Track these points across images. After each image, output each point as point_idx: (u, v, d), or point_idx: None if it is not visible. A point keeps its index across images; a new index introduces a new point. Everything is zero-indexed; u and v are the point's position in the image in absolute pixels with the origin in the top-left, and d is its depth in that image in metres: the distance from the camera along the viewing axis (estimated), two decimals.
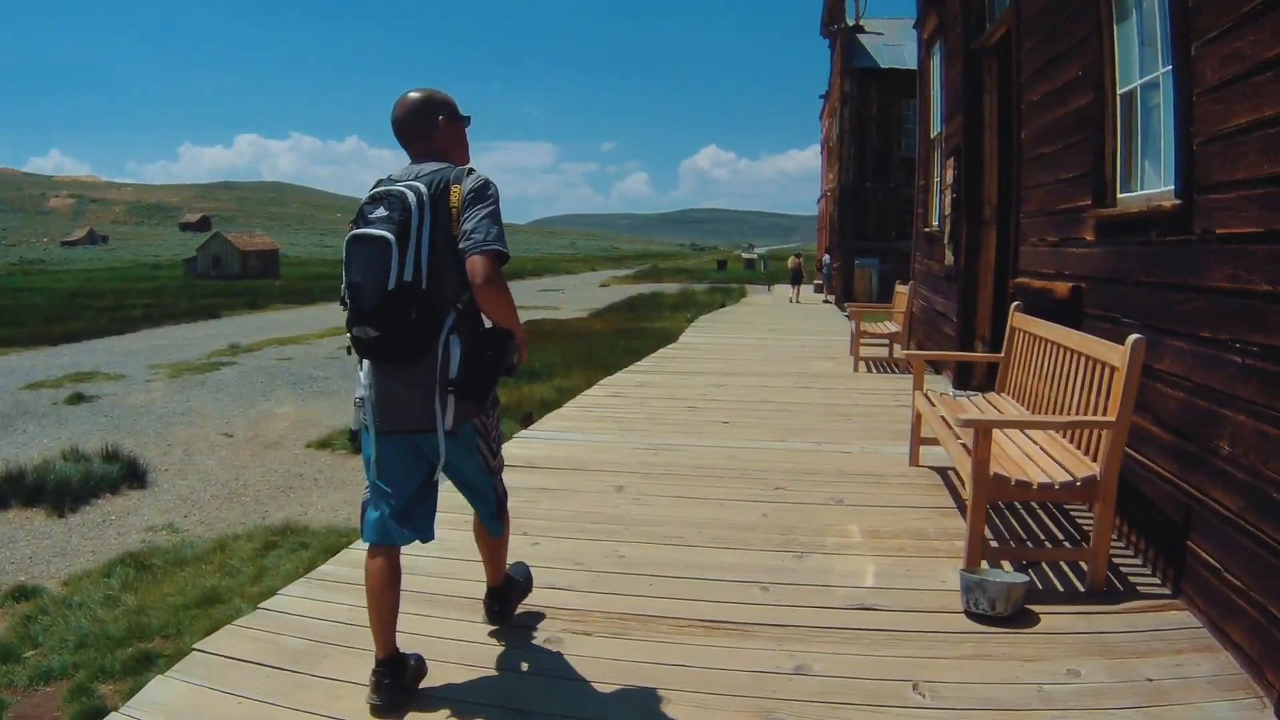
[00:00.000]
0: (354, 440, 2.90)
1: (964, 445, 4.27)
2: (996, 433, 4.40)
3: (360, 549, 3.41)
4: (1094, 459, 3.89)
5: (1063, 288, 5.31)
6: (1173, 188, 3.93)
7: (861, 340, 10.14)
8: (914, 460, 5.68)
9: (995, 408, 5.25)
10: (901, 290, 10.86)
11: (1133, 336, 3.70)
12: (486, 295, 2.52)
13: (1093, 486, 3.76)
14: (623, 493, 4.93)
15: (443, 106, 2.73)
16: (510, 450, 5.99)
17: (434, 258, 2.51)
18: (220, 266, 66.63)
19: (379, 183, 2.64)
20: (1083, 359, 4.25)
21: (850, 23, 29.16)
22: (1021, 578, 3.57)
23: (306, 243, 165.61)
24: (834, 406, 7.63)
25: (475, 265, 2.48)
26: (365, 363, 2.65)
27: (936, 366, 9.87)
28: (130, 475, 9.47)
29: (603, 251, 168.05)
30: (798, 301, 28.77)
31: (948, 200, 9.27)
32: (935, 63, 10.91)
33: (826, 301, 28.72)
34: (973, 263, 8.38)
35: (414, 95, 2.72)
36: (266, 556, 6.27)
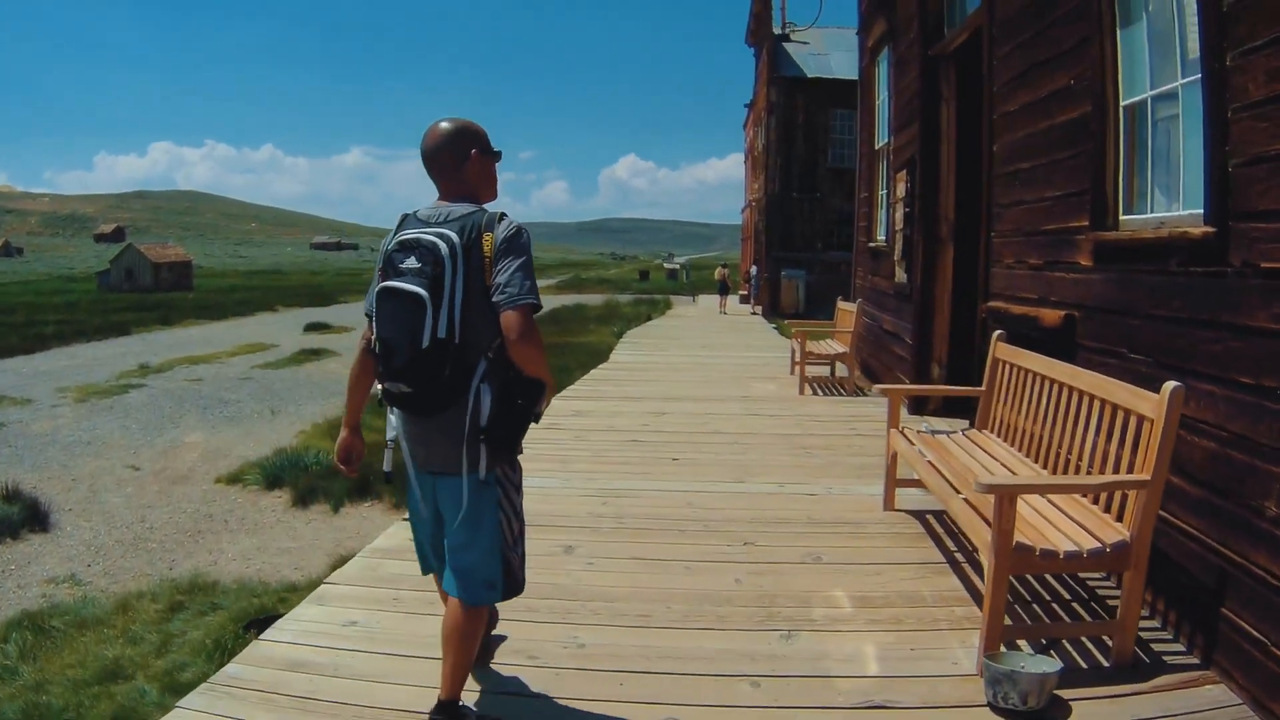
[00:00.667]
0: (388, 481, 2.91)
1: (967, 501, 3.80)
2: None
3: (271, 644, 3.29)
4: (1121, 521, 3.45)
5: (1052, 315, 4.91)
6: (1201, 212, 3.52)
7: (809, 362, 9.71)
8: (889, 504, 5.23)
9: (981, 448, 4.81)
10: (847, 308, 10.48)
11: (1171, 385, 3.26)
12: (523, 350, 2.52)
13: (1124, 554, 3.31)
14: (573, 554, 4.34)
15: (476, 138, 2.68)
16: None
17: (466, 309, 2.49)
18: (133, 279, 64.51)
19: (404, 220, 2.62)
20: (1099, 404, 3.81)
21: (777, 31, 29.08)
22: (1054, 664, 3.10)
23: (220, 253, 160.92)
24: (788, 438, 7.15)
25: (511, 320, 2.48)
26: (395, 407, 2.65)
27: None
28: (32, 517, 8.52)
29: None
30: (724, 313, 28.49)
31: (899, 215, 8.92)
32: (881, 70, 10.60)
33: (754, 313, 28.49)
34: (929, 282, 8.02)
35: (446, 125, 2.66)
36: (172, 620, 5.52)
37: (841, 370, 10.63)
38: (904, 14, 8.83)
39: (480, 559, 2.61)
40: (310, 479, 8.14)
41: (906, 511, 5.15)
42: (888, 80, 10.02)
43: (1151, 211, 4.16)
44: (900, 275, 8.96)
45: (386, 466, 2.80)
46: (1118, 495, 3.48)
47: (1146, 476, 3.28)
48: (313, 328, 26.83)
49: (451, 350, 2.46)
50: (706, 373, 11.64)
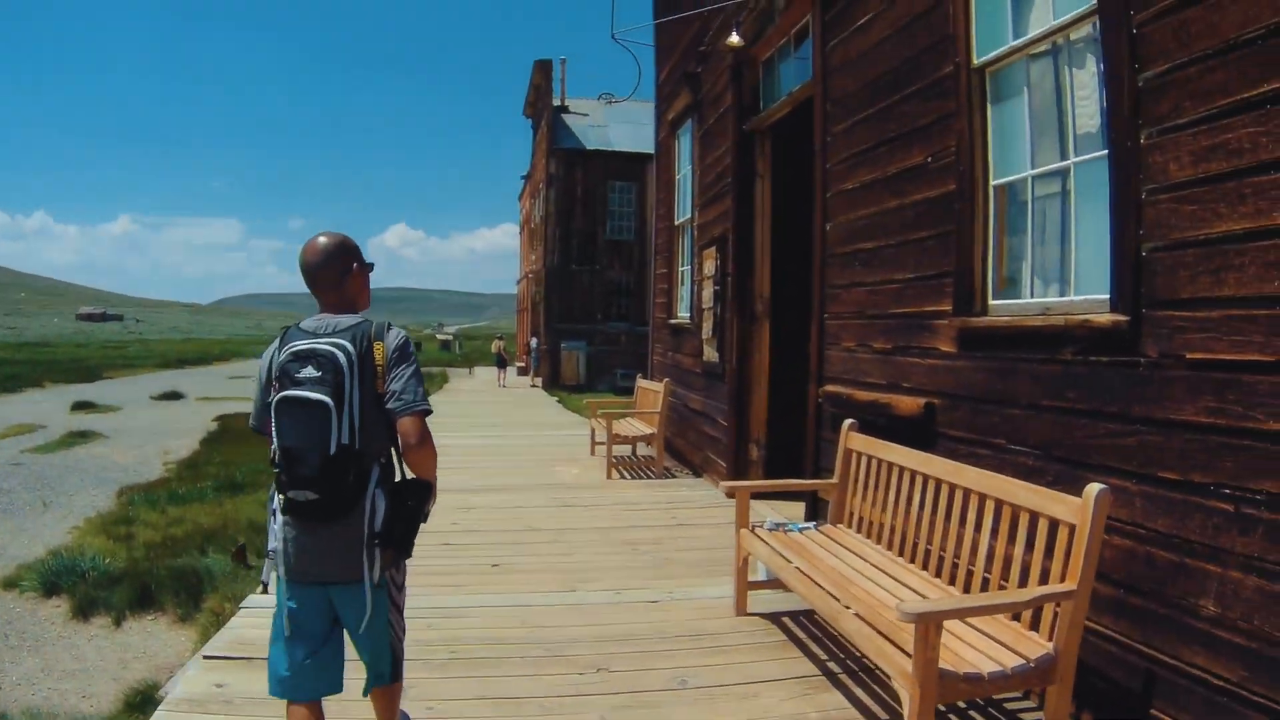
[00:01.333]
0: (264, 590, 2.90)
1: (860, 617, 3.35)
2: (874, 598, 3.55)
3: None
4: (1038, 631, 3.13)
5: (908, 403, 4.66)
6: (1105, 298, 3.33)
7: (616, 440, 9.20)
8: (741, 608, 4.74)
9: (848, 549, 4.44)
10: (650, 386, 10.12)
11: (1096, 487, 2.99)
12: (419, 453, 2.65)
13: (1049, 668, 3.01)
14: (411, 699, 3.46)
15: (355, 253, 2.77)
16: (230, 637, 4.34)
17: (364, 416, 2.55)
18: None
19: (287, 332, 2.67)
20: (994, 504, 3.51)
21: (556, 103, 29.22)
22: None
23: None
24: (610, 532, 6.56)
25: (408, 426, 2.61)
26: (280, 516, 2.64)
27: (695, 468, 9.16)
28: None
29: None
30: (504, 385, 27.77)
31: (706, 292, 8.68)
32: (683, 144, 10.49)
33: (534, 385, 27.93)
34: (744, 361, 7.76)
35: (325, 241, 2.74)
36: None
37: (643, 449, 10.22)
38: (712, 87, 8.71)
39: (385, 651, 2.78)
40: (88, 587, 6.87)
41: (760, 615, 4.69)
42: (691, 154, 9.89)
43: (1032, 296, 3.97)
44: (710, 354, 8.69)
45: (265, 577, 2.75)
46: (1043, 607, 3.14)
47: (1072, 585, 2.98)
48: (80, 406, 23.81)
49: (353, 455, 2.52)
50: (504, 457, 10.87)
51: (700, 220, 9.32)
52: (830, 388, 5.69)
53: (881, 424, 4.88)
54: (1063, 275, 3.80)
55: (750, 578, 4.81)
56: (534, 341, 30.07)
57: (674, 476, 9.15)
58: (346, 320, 2.68)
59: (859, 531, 4.66)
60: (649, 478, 9.09)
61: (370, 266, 2.87)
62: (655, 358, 11.98)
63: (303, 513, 2.57)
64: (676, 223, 10.80)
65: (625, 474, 9.28)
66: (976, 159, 4.21)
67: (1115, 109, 3.23)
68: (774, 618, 4.65)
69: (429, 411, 2.68)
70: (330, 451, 2.48)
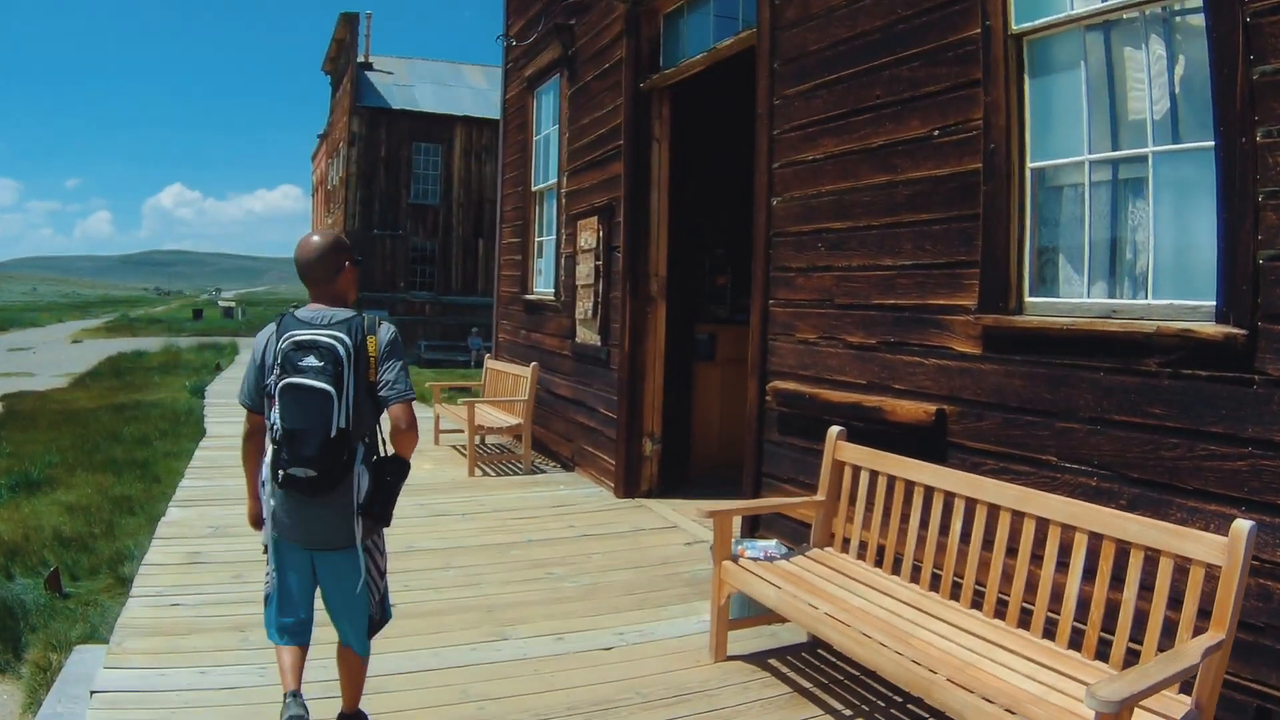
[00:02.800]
0: (265, 553, 3.07)
1: (960, 686, 2.71)
2: (976, 668, 2.93)
3: None
4: (1176, 689, 2.61)
5: (909, 409, 4.08)
6: (1199, 305, 2.88)
7: (478, 432, 8.17)
8: (720, 652, 4.00)
9: (862, 582, 3.78)
10: (510, 370, 9.13)
11: (1245, 524, 2.54)
12: (406, 438, 2.91)
13: None
14: None
15: (347, 251, 3.02)
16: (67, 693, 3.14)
17: (357, 402, 2.80)
18: None
19: (284, 320, 2.92)
20: (1098, 541, 2.95)
21: (360, 59, 27.17)
22: None
23: None
24: (509, 551, 5.63)
25: (398, 413, 2.87)
26: (278, 490, 2.87)
27: (565, 462, 8.33)
28: None
29: (65, 298, 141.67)
30: None
31: (584, 267, 7.83)
32: (544, 103, 9.51)
33: None
34: (637, 346, 6.99)
35: (319, 241, 2.99)
36: None
37: (494, 437, 9.24)
38: (593, 41, 7.80)
39: (360, 616, 3.01)
40: None
41: (744, 659, 3.99)
42: (557, 114, 8.94)
43: (1087, 295, 3.44)
44: (587, 335, 7.86)
45: (264, 540, 3.04)
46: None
47: (1220, 635, 2.53)
48: None
49: (347, 438, 2.79)
50: None
51: (572, 187, 8.42)
52: (780, 384, 5.03)
53: (865, 430, 4.28)
54: (1133, 274, 3.30)
55: (733, 617, 4.07)
56: None
57: (542, 471, 8.27)
58: (341, 314, 2.90)
59: (861, 558, 4.03)
60: (516, 473, 8.16)
61: (359, 262, 3.10)
62: (502, 336, 10.97)
63: (301, 487, 2.80)
64: (534, 189, 9.81)
65: (488, 470, 8.30)
66: (1011, 137, 3.65)
67: (1224, 102, 2.82)
68: (760, 660, 3.99)
69: (414, 398, 2.91)
70: (331, 435, 2.73)
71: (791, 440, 5.04)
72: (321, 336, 2.79)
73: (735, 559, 4.02)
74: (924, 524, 3.68)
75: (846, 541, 4.15)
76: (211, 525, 5.95)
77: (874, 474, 4.01)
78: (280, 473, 2.82)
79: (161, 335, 40.42)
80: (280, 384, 2.78)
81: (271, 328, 2.93)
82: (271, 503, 2.94)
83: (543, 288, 9.63)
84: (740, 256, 8.82)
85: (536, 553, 5.56)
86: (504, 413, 8.75)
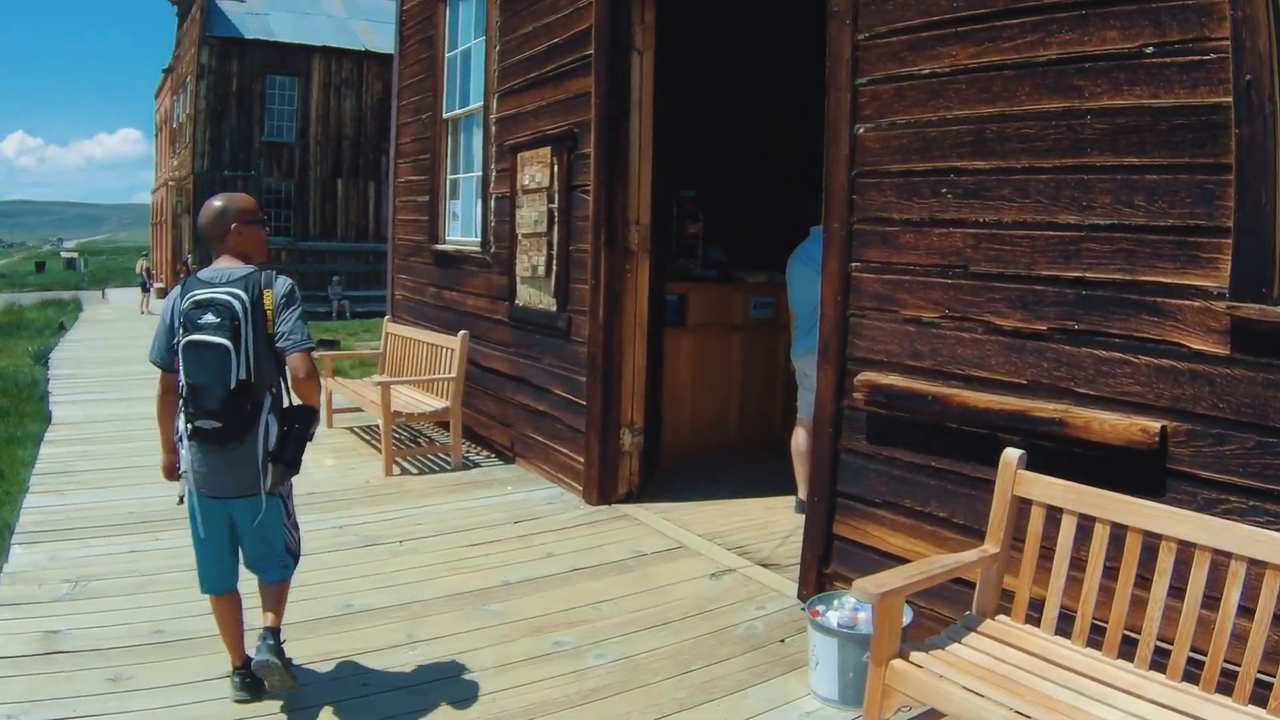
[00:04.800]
0: (180, 503, 3.14)
1: None
2: None
3: None
4: None
5: (1117, 425, 2.83)
6: None
7: (394, 420, 6.36)
8: None
9: (1071, 669, 2.42)
10: (426, 338, 7.32)
11: None
12: (307, 386, 2.99)
13: None
14: None
15: (236, 215, 3.04)
16: None
17: (257, 354, 2.87)
18: None
19: (187, 281, 2.98)
20: None
21: None
22: None
23: None
24: (494, 606, 3.97)
25: (296, 362, 2.95)
26: (190, 442, 2.93)
27: (502, 451, 6.69)
28: None
29: None
30: (149, 312, 22.64)
31: (529, 212, 6.15)
32: (465, 11, 7.62)
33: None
34: (614, 314, 5.39)
35: (215, 204, 3.06)
36: None
37: (418, 427, 7.44)
38: None
39: (275, 552, 3.12)
40: None
41: None
42: (483, 21, 7.11)
43: None
44: (537, 298, 6.19)
45: (180, 492, 3.11)
46: None
47: None
48: None
49: (250, 389, 2.84)
50: None
51: (507, 111, 6.64)
52: (876, 377, 3.57)
53: (1028, 449, 2.89)
54: None
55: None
56: (190, 258, 24.84)
57: (475, 464, 6.61)
58: (239, 271, 2.96)
59: (1068, 636, 2.68)
60: (444, 468, 6.45)
61: (260, 224, 3.12)
62: (400, 294, 9.09)
63: (208, 437, 2.89)
64: (445, 116, 7.93)
65: (407, 465, 6.55)
66: (1275, 66, 2.27)
67: None
68: None
69: (313, 347, 2.99)
70: (231, 386, 2.82)
71: (889, 453, 3.63)
72: (219, 294, 2.87)
73: (908, 656, 2.55)
74: (1175, 591, 2.33)
75: (1033, 608, 2.80)
76: (70, 576, 4.11)
77: (1082, 518, 2.65)
78: (189, 425, 2.90)
79: (3, 292, 36.37)
80: (183, 342, 2.87)
81: (177, 290, 3.01)
82: (187, 456, 2.99)
83: (461, 235, 7.83)
84: (716, 200, 7.31)
85: (524, 606, 3.95)
86: (425, 394, 6.96)
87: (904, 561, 3.53)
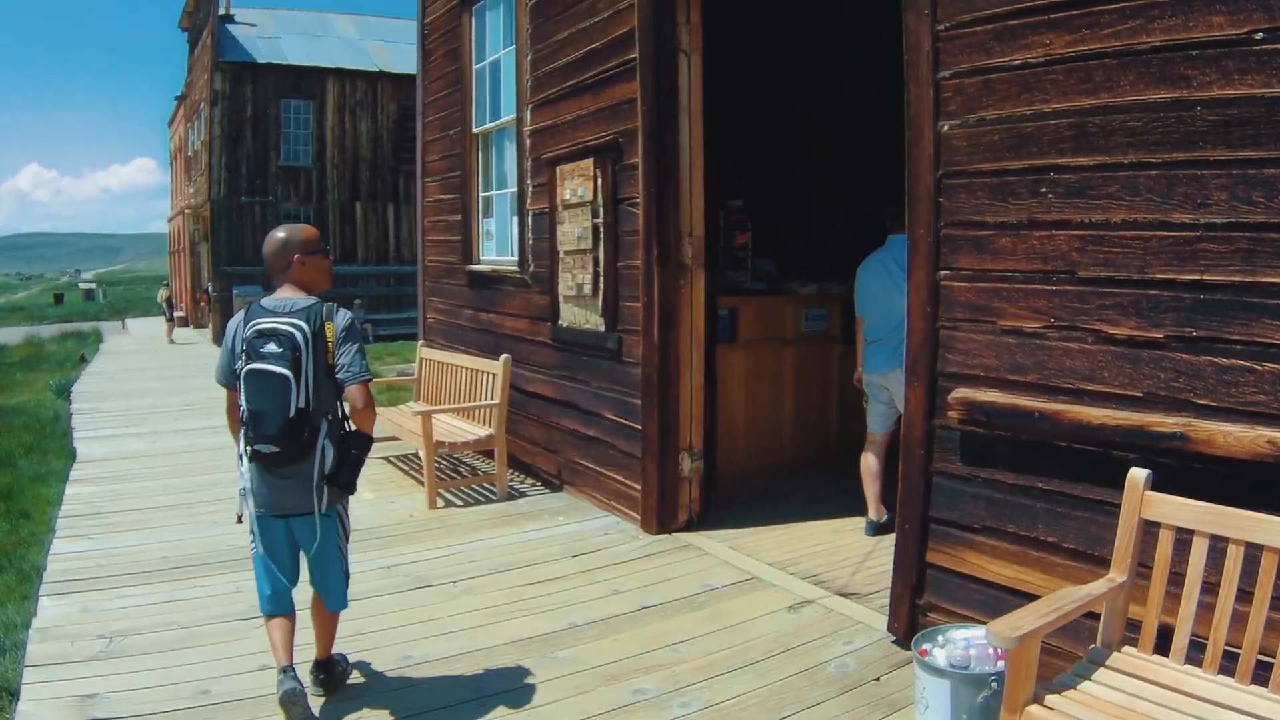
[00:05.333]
0: (239, 522, 3.23)
1: None
2: None
3: None
4: None
5: (1244, 439, 2.56)
6: None
7: (437, 450, 6.17)
8: None
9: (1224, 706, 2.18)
10: (464, 363, 7.15)
11: None
12: (364, 416, 3.14)
13: None
14: None
15: (300, 246, 3.19)
16: None
17: (317, 384, 3.03)
18: None
19: (250, 308, 3.13)
20: None
21: (221, 11, 24.11)
22: None
23: None
24: (563, 652, 3.74)
25: (355, 394, 3.09)
26: (251, 463, 3.10)
27: (548, 479, 6.50)
28: None
29: None
30: (174, 342, 22.76)
31: (571, 228, 5.97)
32: (491, 20, 7.51)
33: (172, 341, 23.21)
34: (669, 333, 5.19)
35: (278, 236, 3.20)
36: None
37: (457, 457, 7.24)
38: None
39: (336, 576, 3.27)
40: None
41: None
42: (512, 30, 6.97)
43: None
44: (584, 318, 6.01)
45: (239, 510, 3.19)
46: None
47: None
48: None
49: (308, 416, 3.01)
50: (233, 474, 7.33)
51: (543, 123, 6.49)
52: (971, 393, 3.35)
53: (1147, 466, 2.69)
54: None
55: None
56: (209, 286, 24.97)
57: (521, 494, 6.42)
58: (302, 302, 3.11)
59: (1199, 665, 2.47)
60: (490, 499, 6.27)
61: (323, 254, 3.27)
62: (433, 316, 8.95)
63: (266, 461, 3.06)
64: (475, 130, 7.79)
65: (451, 497, 6.36)
66: None
67: None
68: None
69: (371, 379, 3.14)
70: (290, 414, 2.96)
71: (988, 474, 3.40)
72: (281, 324, 3.01)
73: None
74: None
75: (1162, 636, 2.62)
76: (104, 632, 3.92)
77: (1217, 540, 2.44)
78: (250, 449, 3.06)
79: (23, 324, 37.16)
80: (245, 369, 3.01)
81: (240, 315, 3.15)
82: (248, 476, 3.12)
83: (496, 255, 7.67)
84: (759, 209, 7.12)
85: (596, 651, 3.75)
86: (467, 421, 6.79)
87: (1007, 591, 3.35)
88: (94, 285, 65.10)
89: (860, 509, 5.40)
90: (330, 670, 3.40)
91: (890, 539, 4.99)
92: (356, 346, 3.10)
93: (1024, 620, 2.41)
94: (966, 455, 3.47)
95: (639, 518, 5.39)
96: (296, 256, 3.16)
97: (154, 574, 4.69)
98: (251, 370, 2.99)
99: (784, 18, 7.38)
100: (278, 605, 3.22)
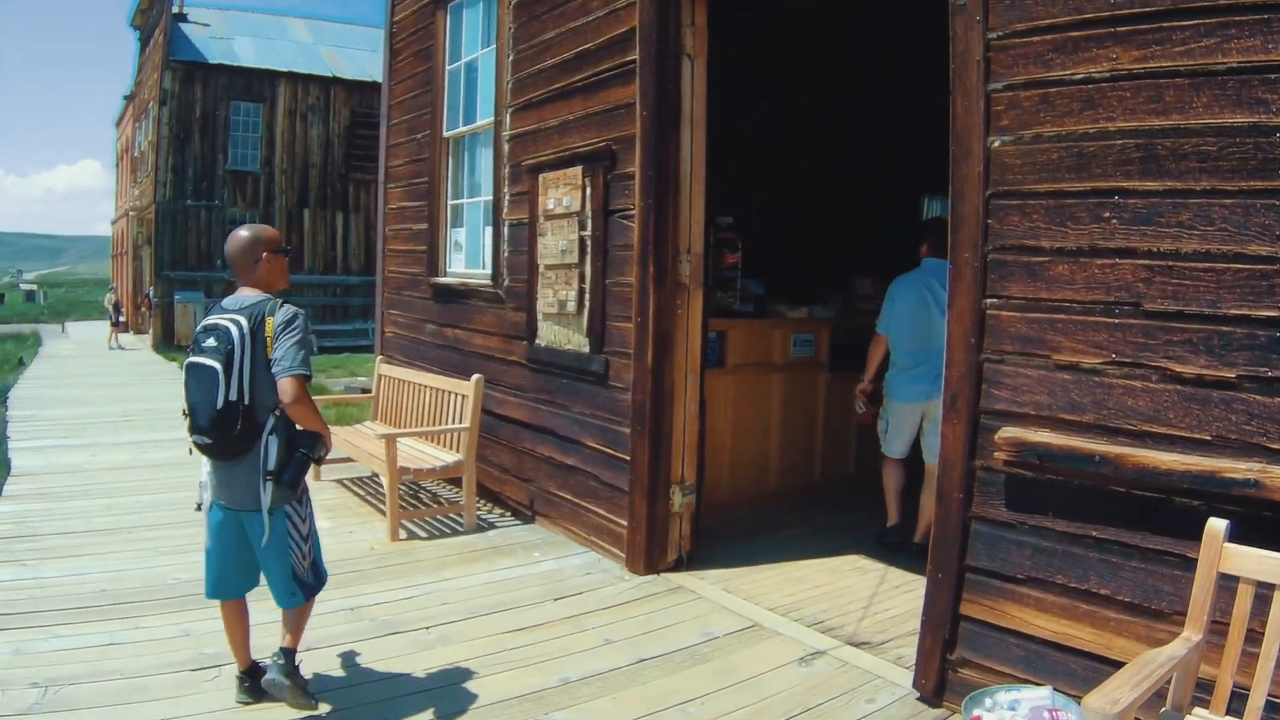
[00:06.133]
0: (199, 510, 3.36)
1: None
2: None
3: None
4: None
5: None
6: None
7: (401, 477, 5.77)
8: None
9: None
10: (429, 382, 6.75)
11: None
12: (295, 410, 3.15)
13: None
14: None
15: (266, 244, 3.31)
16: None
17: (254, 378, 3.11)
18: None
19: (212, 308, 3.26)
20: None
21: (174, 10, 23.55)
22: None
23: None
24: (560, 715, 3.45)
25: (284, 387, 3.10)
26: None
27: (519, 509, 6.15)
28: None
29: None
30: (118, 347, 22.06)
31: (554, 241, 5.66)
32: (469, 19, 7.19)
33: (115, 346, 22.48)
34: (664, 358, 4.90)
35: (242, 235, 3.31)
36: None
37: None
38: None
39: (279, 575, 3.29)
40: None
41: None
42: (491, 30, 6.66)
43: None
44: (565, 338, 5.69)
45: (198, 499, 3.35)
46: None
47: None
48: None
49: (241, 410, 3.08)
50: (188, 491, 6.85)
51: (524, 127, 6.18)
52: (1022, 433, 3.10)
53: (1213, 513, 2.51)
54: None
55: None
56: (152, 291, 24.18)
57: (491, 525, 6.06)
58: (250, 299, 3.21)
59: None
60: (457, 531, 5.89)
61: (284, 254, 3.38)
62: (391, 331, 8.55)
63: (205, 452, 3.19)
64: (446, 135, 7.44)
65: (415, 528, 5.96)
66: None
67: None
68: None
69: (304, 374, 3.11)
70: (218, 407, 3.03)
71: (1036, 521, 3.16)
72: (223, 320, 3.12)
73: None
74: None
75: (1235, 700, 2.41)
76: (38, 679, 3.51)
77: None
78: (191, 440, 3.18)
79: None
80: (185, 363, 3.16)
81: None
82: (205, 468, 3.26)
83: (465, 267, 7.32)
84: (749, 226, 6.86)
85: (596, 712, 3.42)
86: (433, 446, 6.40)
87: (1052, 646, 3.16)
88: (35, 286, 63.35)
89: (853, 547, 5.45)
90: (289, 659, 3.34)
91: (891, 580, 4.84)
92: (294, 340, 3.12)
93: (1120, 693, 2.15)
94: (1012, 500, 3.22)
95: (624, 556, 5.06)
96: (265, 254, 3.27)
97: (92, 610, 4.24)
98: (188, 363, 3.13)
99: (791, 19, 7.19)
100: (224, 591, 3.35)
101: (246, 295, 3.23)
